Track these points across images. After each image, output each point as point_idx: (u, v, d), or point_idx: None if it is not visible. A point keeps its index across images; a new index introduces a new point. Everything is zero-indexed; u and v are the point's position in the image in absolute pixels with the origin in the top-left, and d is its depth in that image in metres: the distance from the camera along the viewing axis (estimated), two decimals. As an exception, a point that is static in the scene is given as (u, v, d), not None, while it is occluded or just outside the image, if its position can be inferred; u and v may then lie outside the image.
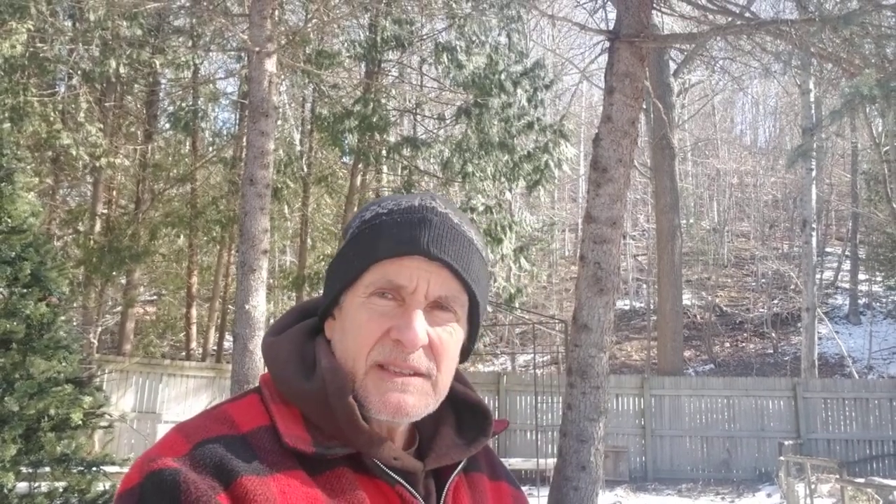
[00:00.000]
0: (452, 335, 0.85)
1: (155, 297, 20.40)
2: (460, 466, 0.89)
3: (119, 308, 15.45)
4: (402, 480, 0.81)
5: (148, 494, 0.71)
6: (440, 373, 0.83)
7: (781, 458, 10.69)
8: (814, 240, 17.68)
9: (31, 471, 4.54)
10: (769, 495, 11.70)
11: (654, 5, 6.38)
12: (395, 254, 0.82)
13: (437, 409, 0.87)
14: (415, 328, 0.80)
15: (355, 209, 13.90)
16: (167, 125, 14.41)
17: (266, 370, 0.88)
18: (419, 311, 0.82)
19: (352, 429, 0.79)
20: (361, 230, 0.86)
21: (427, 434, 0.90)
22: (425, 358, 0.82)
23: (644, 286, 25.82)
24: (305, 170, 13.84)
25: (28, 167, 5.37)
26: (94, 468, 4.80)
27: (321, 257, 14.95)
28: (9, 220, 4.92)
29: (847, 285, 23.94)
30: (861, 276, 23.75)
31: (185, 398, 12.51)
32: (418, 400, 0.82)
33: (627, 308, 25.34)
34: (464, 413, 0.93)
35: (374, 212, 0.87)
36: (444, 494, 0.86)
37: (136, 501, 0.71)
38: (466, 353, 0.92)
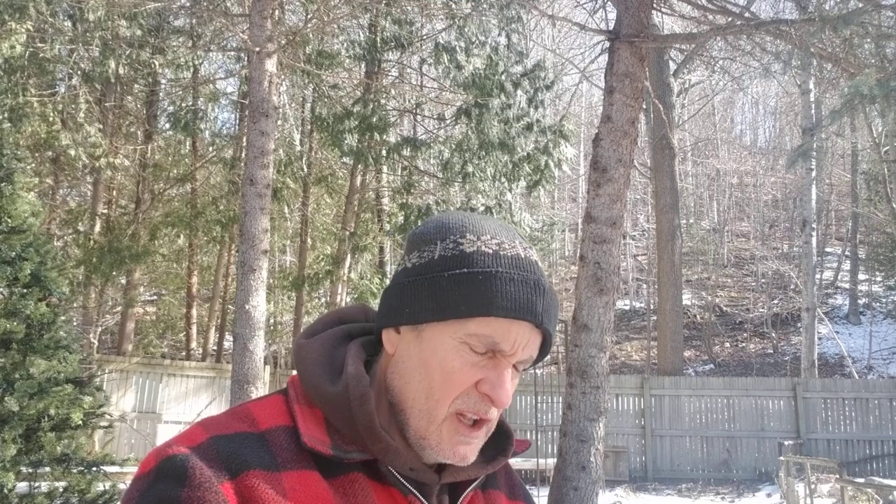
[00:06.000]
0: (514, 385, 0.89)
1: (155, 297, 20.41)
2: (476, 483, 0.90)
3: (119, 308, 15.45)
4: (415, 491, 0.83)
5: (159, 476, 0.74)
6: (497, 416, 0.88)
7: (781, 458, 10.69)
8: (814, 240, 17.67)
9: (31, 471, 4.55)
10: (769, 495, 11.70)
11: (654, 5, 6.38)
12: (511, 316, 0.82)
13: None
14: (507, 389, 0.84)
15: (355, 209, 13.89)
16: (167, 125, 14.40)
17: (294, 372, 0.90)
18: (510, 371, 0.85)
19: (370, 436, 0.81)
20: (469, 271, 0.82)
21: None
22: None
23: (644, 286, 25.82)
24: (305, 170, 13.84)
25: (28, 167, 5.37)
26: (94, 468, 4.80)
27: (321, 257, 14.93)
28: (9, 220, 4.92)
29: (847, 285, 23.94)
30: (861, 276, 23.76)
31: (185, 398, 12.51)
32: (477, 447, 0.86)
33: (627, 308, 25.35)
34: None
35: (475, 247, 0.84)
36: None
37: (149, 483, 0.74)
38: None
